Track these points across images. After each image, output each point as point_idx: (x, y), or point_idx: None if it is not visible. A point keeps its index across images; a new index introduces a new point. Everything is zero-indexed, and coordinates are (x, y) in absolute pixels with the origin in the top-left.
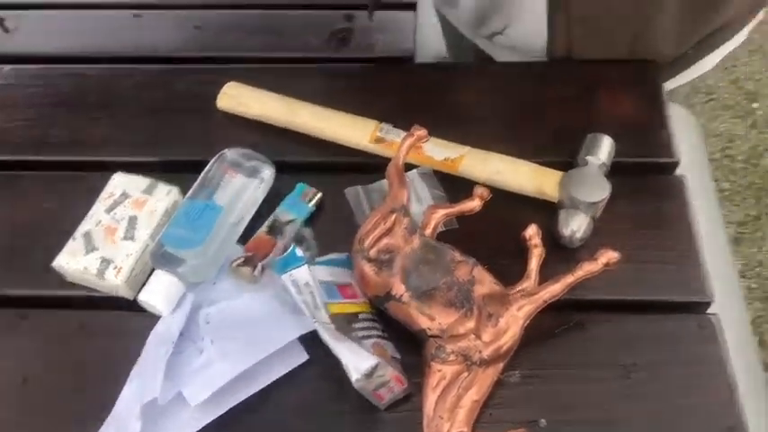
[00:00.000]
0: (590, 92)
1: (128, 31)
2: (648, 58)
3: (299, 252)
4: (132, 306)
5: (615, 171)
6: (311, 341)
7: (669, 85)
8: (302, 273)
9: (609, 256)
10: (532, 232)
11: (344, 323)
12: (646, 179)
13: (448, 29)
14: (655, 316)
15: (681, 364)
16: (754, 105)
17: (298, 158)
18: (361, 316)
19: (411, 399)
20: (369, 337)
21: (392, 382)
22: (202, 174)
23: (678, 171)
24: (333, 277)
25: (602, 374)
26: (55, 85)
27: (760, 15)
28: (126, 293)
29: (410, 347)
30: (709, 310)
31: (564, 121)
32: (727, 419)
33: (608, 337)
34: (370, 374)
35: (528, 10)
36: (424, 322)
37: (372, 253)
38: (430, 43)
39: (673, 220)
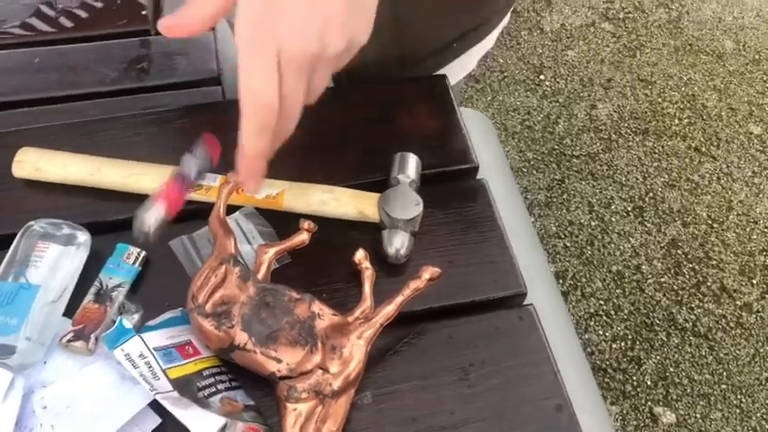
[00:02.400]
0: (390, 111)
1: None
2: (414, 55)
3: (127, 323)
4: None
5: (424, 183)
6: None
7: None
8: (134, 345)
9: (431, 271)
10: (361, 256)
11: (188, 385)
12: (452, 187)
13: None
14: (481, 315)
15: (510, 356)
16: (541, 77)
17: (113, 216)
18: (205, 372)
19: None
20: (216, 392)
21: None
22: (9, 251)
23: (480, 173)
24: (169, 340)
25: (444, 379)
26: None
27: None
28: None
29: (264, 388)
30: (525, 302)
31: (372, 142)
32: (554, 399)
33: (444, 342)
34: None
35: None
36: (272, 366)
37: (208, 308)
38: (231, 50)
39: (482, 222)
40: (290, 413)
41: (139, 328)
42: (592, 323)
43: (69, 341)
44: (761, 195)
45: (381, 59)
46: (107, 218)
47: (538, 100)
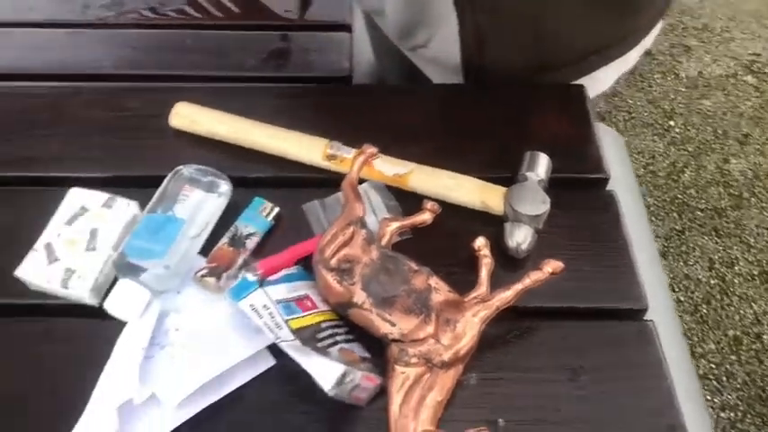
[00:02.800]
0: (525, 113)
1: (62, 50)
2: (550, 61)
3: (251, 277)
4: (97, 313)
5: (551, 186)
6: (276, 347)
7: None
8: (259, 297)
9: (554, 265)
10: (481, 244)
11: (308, 335)
12: (580, 194)
13: (376, 40)
14: (596, 322)
15: (623, 367)
16: (671, 123)
17: (253, 174)
18: (323, 325)
19: (377, 399)
20: (334, 343)
21: (364, 383)
22: (159, 189)
23: (609, 186)
24: (289, 294)
25: (553, 377)
26: (1, 102)
27: (655, 32)
28: (91, 301)
29: (375, 349)
30: (645, 317)
31: (502, 140)
32: (667, 419)
33: (555, 342)
34: (340, 382)
35: (445, 24)
36: (385, 328)
37: (333, 263)
38: (362, 54)
39: (607, 233)
40: (398, 375)
41: (261, 282)
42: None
43: (203, 276)
44: None
45: (517, 61)
46: (247, 174)
47: (665, 146)
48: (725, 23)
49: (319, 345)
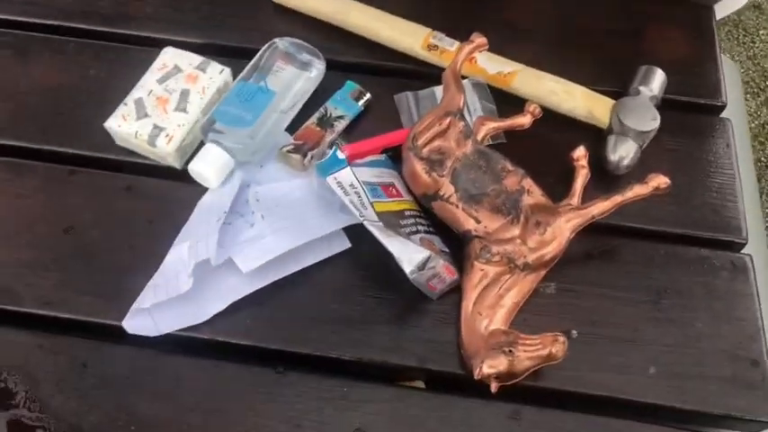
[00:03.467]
0: (646, 27)
1: None
2: None
3: (341, 154)
4: (179, 176)
5: (663, 106)
6: (351, 231)
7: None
8: (347, 174)
9: (660, 180)
10: (581, 153)
11: (391, 220)
12: (691, 117)
13: None
14: (690, 248)
15: (711, 296)
16: None
17: (347, 58)
18: (406, 213)
19: (448, 294)
20: (416, 232)
21: (443, 273)
22: (255, 58)
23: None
24: (375, 178)
25: (634, 297)
26: None
27: None
28: (175, 162)
29: (453, 246)
30: (743, 251)
31: (617, 53)
32: (751, 353)
33: (642, 263)
34: (422, 266)
35: None
36: (470, 224)
37: (425, 152)
38: None
39: (715, 161)
40: (477, 272)
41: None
42: None
43: (289, 151)
44: None
45: None
46: (341, 56)
47: (757, 105)
48: None
49: (401, 231)
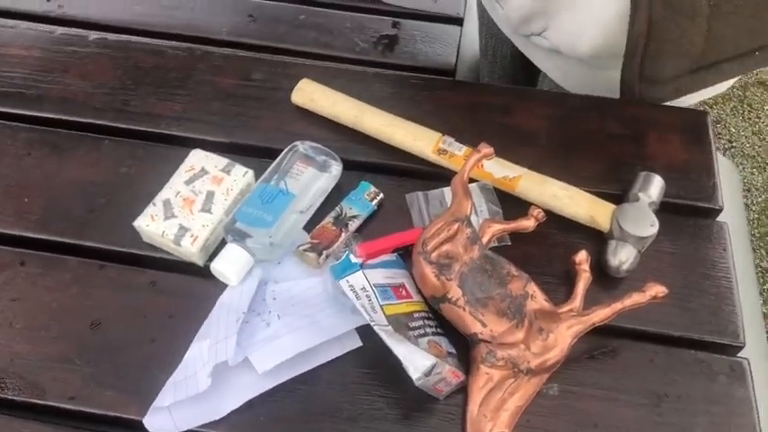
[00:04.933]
0: (644, 132)
1: (181, 11)
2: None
3: (354, 258)
4: (202, 272)
5: (662, 209)
6: (362, 328)
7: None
8: (358, 278)
9: (657, 289)
10: (583, 257)
11: (401, 323)
12: (689, 221)
13: (485, 31)
14: (688, 351)
15: (710, 401)
16: None
17: (362, 158)
18: (415, 315)
19: (454, 394)
20: (424, 335)
21: (449, 377)
22: (276, 161)
23: (719, 218)
24: (386, 279)
25: (634, 399)
26: (135, 57)
27: None
28: (198, 260)
29: (460, 346)
30: (739, 354)
31: (617, 157)
32: None
33: (642, 365)
34: (428, 373)
35: (576, 9)
36: (476, 327)
37: (434, 256)
38: (465, 50)
39: (713, 264)
40: (482, 375)
41: (362, 265)
42: None
43: (305, 250)
44: None
45: (679, 59)
46: (358, 158)
47: (764, 180)
48: None
49: (410, 333)
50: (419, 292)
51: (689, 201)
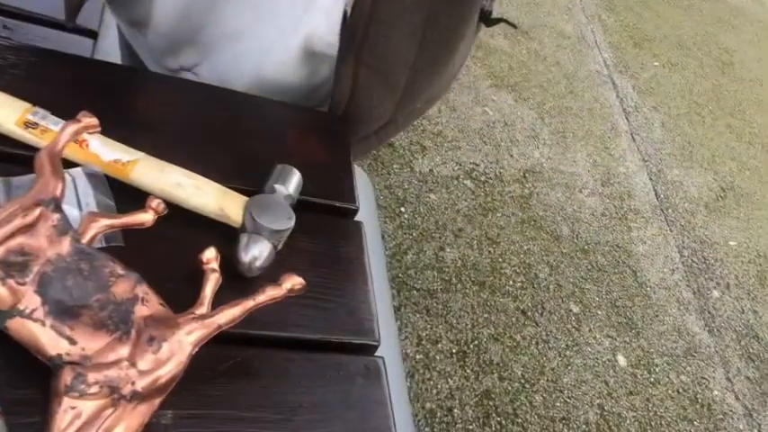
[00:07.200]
0: (283, 130)
1: None
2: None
3: None
4: None
5: (298, 208)
6: None
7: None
8: None
9: (294, 281)
10: (211, 255)
11: None
12: (327, 220)
13: (129, 62)
14: (326, 354)
15: (347, 406)
16: (402, 209)
17: None
18: None
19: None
20: None
21: None
22: None
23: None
24: None
25: (266, 415)
26: None
27: None
28: None
29: (35, 376)
30: (376, 353)
31: (253, 153)
32: None
33: (276, 375)
34: None
35: (224, 47)
36: (60, 347)
37: (0, 252)
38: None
39: (349, 263)
40: (67, 411)
41: None
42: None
43: None
44: (569, 367)
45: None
46: None
47: (394, 228)
48: (455, 134)
49: None
50: None
51: (327, 200)
